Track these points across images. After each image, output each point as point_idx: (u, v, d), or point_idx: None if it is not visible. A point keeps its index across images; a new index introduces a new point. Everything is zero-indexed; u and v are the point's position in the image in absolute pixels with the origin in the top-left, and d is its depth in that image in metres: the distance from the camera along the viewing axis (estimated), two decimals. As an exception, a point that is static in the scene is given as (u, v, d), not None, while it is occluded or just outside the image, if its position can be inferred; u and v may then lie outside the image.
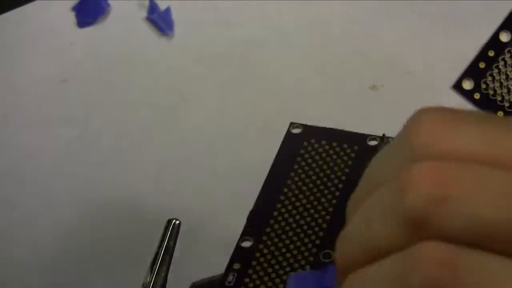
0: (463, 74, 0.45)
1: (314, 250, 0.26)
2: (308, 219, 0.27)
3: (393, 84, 0.44)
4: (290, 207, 0.28)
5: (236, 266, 0.26)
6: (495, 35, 0.45)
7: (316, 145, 0.29)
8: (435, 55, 0.46)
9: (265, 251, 0.26)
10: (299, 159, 0.29)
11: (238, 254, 0.26)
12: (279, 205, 0.28)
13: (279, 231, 0.27)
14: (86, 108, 0.44)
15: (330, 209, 0.27)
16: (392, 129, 0.25)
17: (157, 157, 0.42)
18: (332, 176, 0.28)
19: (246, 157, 0.43)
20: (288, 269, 0.26)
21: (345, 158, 0.29)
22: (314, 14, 0.47)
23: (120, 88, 0.45)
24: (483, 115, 0.19)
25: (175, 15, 0.46)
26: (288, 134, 0.30)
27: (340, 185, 0.28)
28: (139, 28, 0.46)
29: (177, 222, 0.30)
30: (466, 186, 0.17)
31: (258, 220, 0.27)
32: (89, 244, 0.39)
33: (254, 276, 0.26)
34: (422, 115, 0.19)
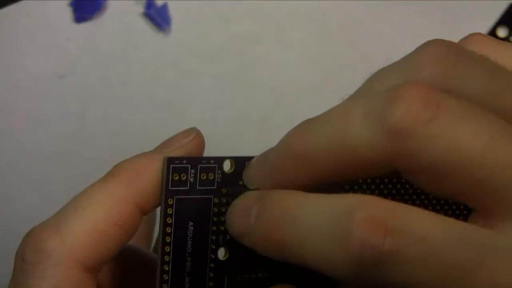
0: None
1: None
2: None
3: (390, 79, 0.45)
4: None
5: None
6: (492, 31, 0.46)
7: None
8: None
9: None
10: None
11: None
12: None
13: None
14: (84, 104, 0.44)
15: None
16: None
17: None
18: None
19: (243, 152, 0.43)
20: None
21: None
22: (311, 9, 0.47)
23: (117, 83, 0.45)
24: (492, 62, 0.20)
25: (172, 11, 0.46)
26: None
27: None
28: (136, 24, 0.46)
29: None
30: (453, 115, 0.18)
31: None
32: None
33: None
34: (438, 46, 0.20)
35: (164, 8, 0.46)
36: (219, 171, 0.24)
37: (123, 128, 0.43)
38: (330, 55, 0.45)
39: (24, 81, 0.44)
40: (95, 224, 0.22)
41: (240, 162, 0.24)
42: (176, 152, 0.24)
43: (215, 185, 0.24)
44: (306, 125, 0.20)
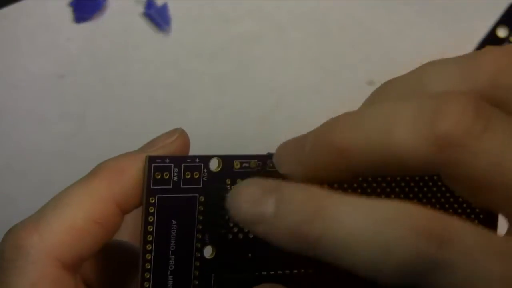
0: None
1: None
2: None
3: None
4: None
5: None
6: (492, 31, 0.46)
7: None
8: (432, 50, 0.46)
9: None
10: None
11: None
12: None
13: None
14: (84, 104, 0.44)
15: None
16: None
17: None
18: None
19: (243, 152, 0.43)
20: None
21: None
22: (311, 9, 0.47)
23: (117, 83, 0.45)
24: None
25: (172, 11, 0.46)
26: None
27: None
28: (136, 24, 0.46)
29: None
30: (503, 131, 0.18)
31: None
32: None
33: None
34: (502, 56, 0.19)
35: (164, 8, 0.46)
36: (205, 170, 0.24)
37: (123, 128, 0.43)
38: (330, 55, 0.45)
39: (24, 81, 0.44)
40: (74, 222, 0.22)
41: (228, 161, 0.24)
42: (159, 151, 0.24)
43: (201, 184, 0.24)
44: (350, 119, 0.20)
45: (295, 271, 0.25)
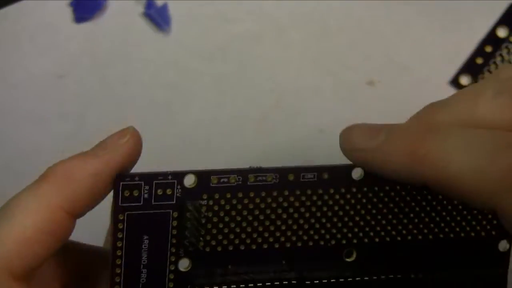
0: (460, 69, 0.45)
1: None
2: None
3: (390, 79, 0.44)
4: None
5: None
6: (492, 31, 0.45)
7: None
8: (433, 50, 0.46)
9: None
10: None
11: None
12: None
13: None
14: (83, 104, 0.44)
15: None
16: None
17: (154, 152, 0.42)
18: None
19: (243, 152, 0.43)
20: None
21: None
22: (311, 9, 0.47)
23: (117, 83, 0.44)
24: None
25: (172, 11, 0.46)
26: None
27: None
28: (136, 24, 0.46)
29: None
30: None
31: None
32: (88, 238, 0.39)
33: None
34: None
35: (164, 8, 0.46)
36: (178, 186, 0.23)
37: (122, 128, 0.43)
38: (330, 55, 0.45)
39: (24, 81, 0.44)
40: (23, 232, 0.22)
41: (205, 176, 0.24)
42: (112, 155, 0.23)
43: (174, 200, 0.23)
44: (435, 106, 0.22)
45: (276, 282, 0.25)
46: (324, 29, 0.46)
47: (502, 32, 0.46)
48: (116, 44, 0.45)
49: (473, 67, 0.45)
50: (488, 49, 0.45)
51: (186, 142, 0.43)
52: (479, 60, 0.45)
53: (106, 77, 0.45)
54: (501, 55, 0.45)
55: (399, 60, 0.45)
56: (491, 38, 0.45)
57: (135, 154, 0.24)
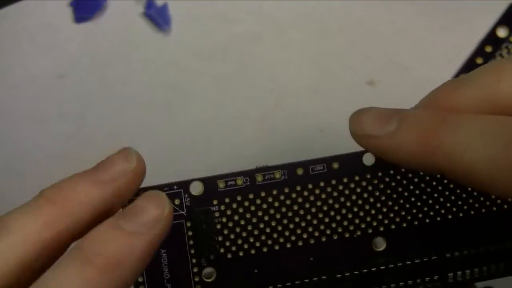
0: (460, 69, 0.45)
1: None
2: None
3: (390, 79, 0.44)
4: None
5: None
6: (492, 31, 0.45)
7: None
8: (433, 50, 0.46)
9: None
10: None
11: None
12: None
13: None
14: (83, 104, 0.44)
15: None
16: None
17: (153, 152, 0.42)
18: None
19: (243, 152, 0.43)
20: None
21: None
22: (311, 9, 0.47)
23: (117, 83, 0.44)
24: None
25: (172, 11, 0.46)
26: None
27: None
28: (136, 24, 0.46)
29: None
30: None
31: None
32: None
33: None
34: None
35: (164, 8, 0.46)
36: (186, 195, 0.23)
37: (123, 128, 0.43)
38: (330, 55, 0.45)
39: (24, 81, 0.44)
40: (20, 256, 0.21)
41: (211, 182, 0.23)
42: (118, 183, 0.22)
43: (184, 210, 0.23)
44: (456, 82, 0.21)
45: (307, 280, 0.25)
46: (324, 29, 0.46)
47: (502, 32, 0.46)
48: (116, 44, 0.45)
49: (473, 67, 0.45)
50: (488, 49, 0.45)
51: (186, 142, 0.43)
52: (479, 60, 0.45)
53: (106, 77, 0.45)
54: (501, 55, 0.45)
55: (399, 60, 0.45)
56: (491, 38, 0.45)
57: (139, 181, 0.23)
